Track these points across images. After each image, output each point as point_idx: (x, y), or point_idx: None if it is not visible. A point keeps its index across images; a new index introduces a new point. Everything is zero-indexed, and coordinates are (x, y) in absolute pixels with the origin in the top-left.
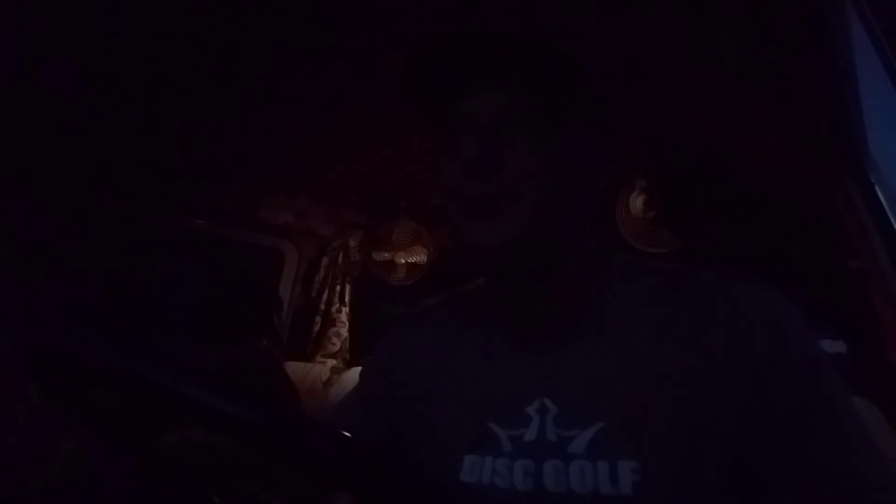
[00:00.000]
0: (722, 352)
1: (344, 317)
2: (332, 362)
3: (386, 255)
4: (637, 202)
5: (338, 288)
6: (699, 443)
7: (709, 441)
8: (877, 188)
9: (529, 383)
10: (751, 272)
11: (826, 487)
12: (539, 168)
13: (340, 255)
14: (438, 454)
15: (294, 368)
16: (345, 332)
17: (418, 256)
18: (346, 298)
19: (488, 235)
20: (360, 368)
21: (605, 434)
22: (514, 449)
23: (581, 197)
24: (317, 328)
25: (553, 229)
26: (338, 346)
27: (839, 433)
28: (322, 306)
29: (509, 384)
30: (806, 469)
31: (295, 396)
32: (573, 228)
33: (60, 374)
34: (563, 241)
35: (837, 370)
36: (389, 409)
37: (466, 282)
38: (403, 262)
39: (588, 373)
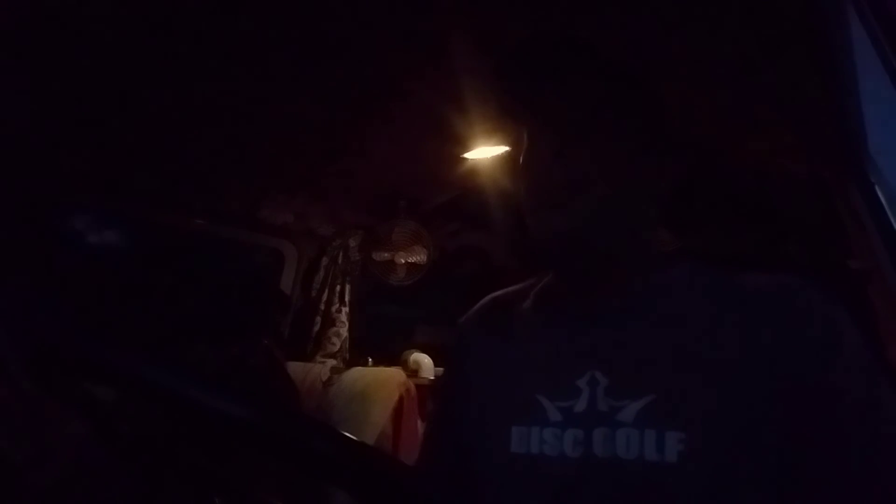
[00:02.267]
0: (772, 351)
1: (344, 317)
2: (332, 362)
3: (386, 255)
4: None
5: (338, 288)
6: (744, 426)
7: (753, 428)
8: (877, 188)
9: (581, 358)
10: (815, 279)
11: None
12: (606, 161)
13: (340, 255)
14: (491, 426)
15: (294, 368)
16: (345, 332)
17: (418, 256)
18: (346, 298)
19: (562, 220)
20: (359, 368)
21: (655, 405)
22: (564, 419)
23: (646, 193)
24: (317, 328)
25: (617, 220)
26: (338, 346)
27: (886, 445)
28: (322, 306)
29: (561, 358)
30: (847, 480)
31: (295, 396)
32: (637, 222)
33: (60, 373)
34: (625, 231)
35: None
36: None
37: (475, 281)
38: (403, 262)
39: (640, 350)
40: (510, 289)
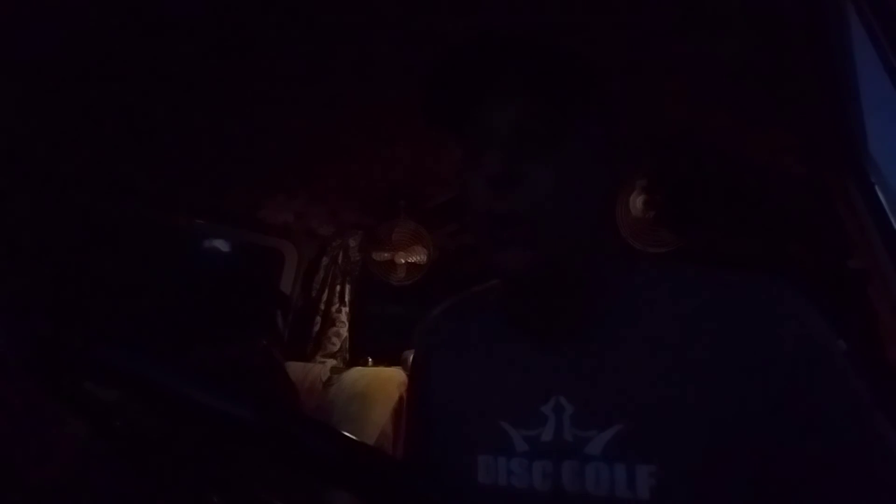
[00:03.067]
0: (746, 361)
1: (344, 317)
2: (332, 362)
3: (386, 255)
4: (637, 202)
5: (338, 288)
6: (720, 451)
7: (730, 450)
8: (877, 188)
9: (545, 382)
10: (779, 276)
11: None
12: (560, 181)
13: (340, 255)
14: (456, 454)
15: (294, 368)
16: (345, 332)
17: (418, 256)
18: (346, 298)
19: (515, 262)
20: (359, 368)
21: (624, 436)
22: (531, 449)
23: (596, 201)
24: (317, 328)
25: (574, 241)
26: (338, 346)
27: (864, 462)
28: (322, 306)
29: (524, 383)
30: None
31: (295, 396)
32: (590, 234)
33: (60, 373)
34: (582, 248)
35: (862, 380)
36: (427, 414)
37: (475, 281)
38: (403, 262)
39: (606, 373)
40: (473, 291)
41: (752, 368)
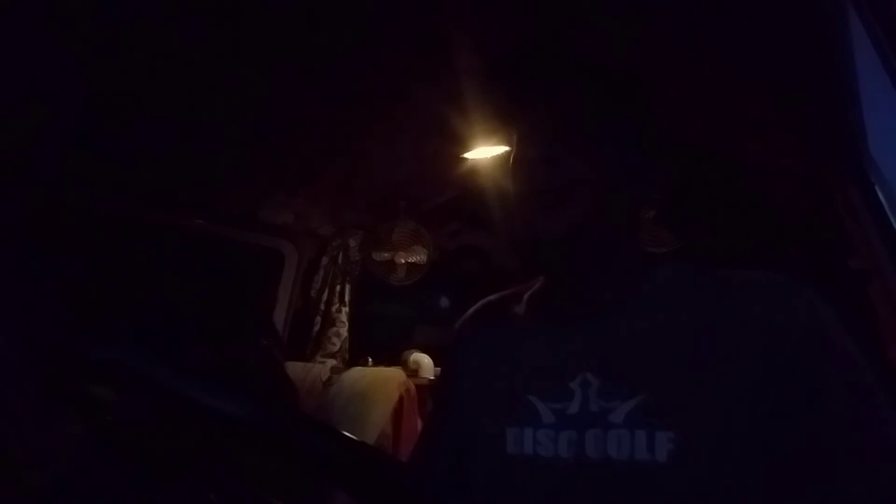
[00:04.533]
0: (757, 348)
1: (344, 317)
2: (332, 362)
3: (386, 255)
4: None
5: (338, 288)
6: (732, 426)
7: (740, 428)
8: (877, 188)
9: (573, 359)
10: (796, 276)
11: None
12: (594, 165)
13: (340, 255)
14: (485, 429)
15: (294, 368)
16: (345, 332)
17: (418, 256)
18: (346, 298)
19: (551, 225)
20: (359, 368)
21: (645, 405)
22: (558, 420)
23: (634, 196)
24: (317, 328)
25: (606, 223)
26: (338, 346)
27: (868, 458)
28: (322, 306)
29: (553, 360)
30: (829, 489)
31: (295, 396)
32: (626, 224)
33: (60, 373)
34: (615, 235)
35: (876, 379)
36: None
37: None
38: (403, 262)
39: (630, 351)
40: (504, 293)
41: (767, 353)
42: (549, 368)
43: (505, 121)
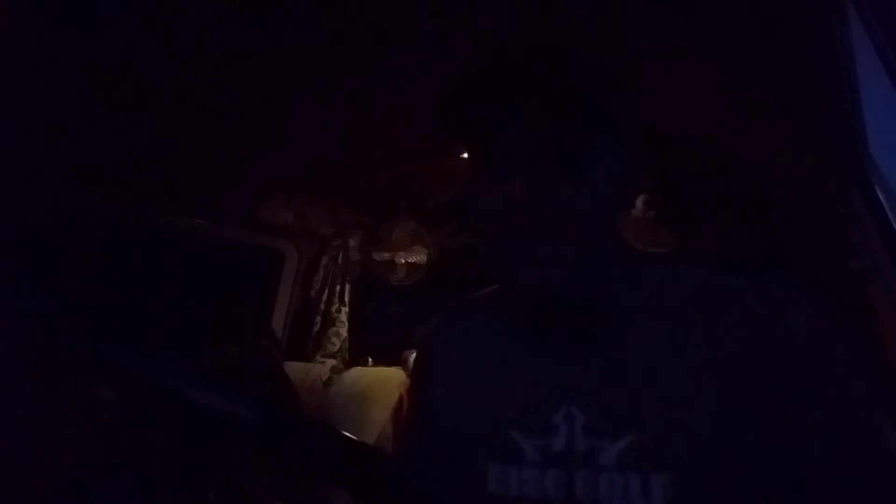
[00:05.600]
0: (756, 369)
1: (344, 317)
2: (331, 362)
3: (386, 255)
4: (637, 202)
5: (338, 288)
6: (729, 463)
7: (738, 464)
8: (877, 188)
9: (555, 390)
10: (785, 282)
11: None
12: (583, 199)
13: (340, 255)
14: (463, 462)
15: (294, 368)
16: (345, 332)
17: (418, 256)
18: (346, 298)
19: (540, 281)
20: (359, 368)
21: (637, 445)
22: (543, 458)
23: (615, 215)
24: (317, 328)
25: (597, 255)
26: (338, 346)
27: (868, 471)
28: (322, 306)
29: (533, 390)
30: None
31: (294, 396)
32: (615, 253)
33: (60, 373)
34: (602, 260)
35: (866, 387)
36: (429, 418)
37: (475, 281)
38: (403, 262)
39: (617, 381)
40: (476, 295)
41: (762, 376)
42: (531, 398)
43: (462, 140)
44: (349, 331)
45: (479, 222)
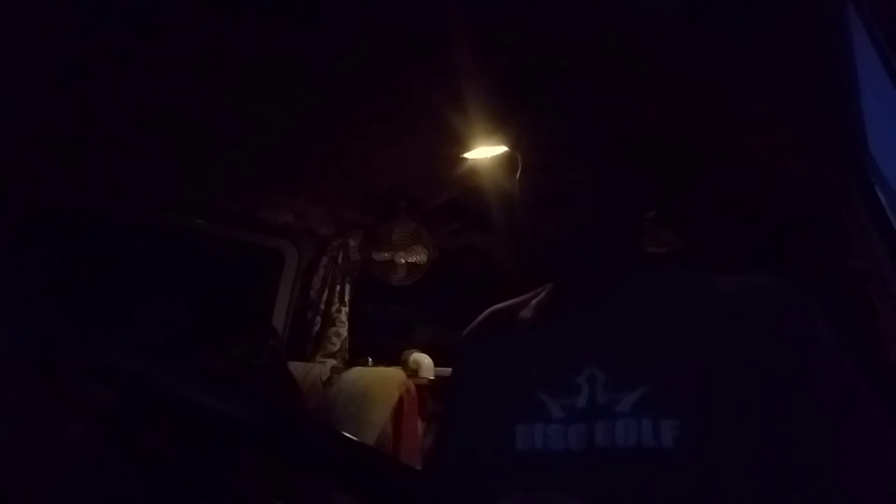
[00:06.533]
0: (746, 351)
1: (344, 317)
2: (332, 362)
3: (386, 255)
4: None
5: (338, 288)
6: (732, 415)
7: (740, 417)
8: (877, 188)
9: (579, 356)
10: (788, 277)
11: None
12: (589, 174)
13: (340, 255)
14: (495, 428)
15: (294, 368)
16: (345, 332)
17: (418, 256)
18: (346, 298)
19: (550, 229)
20: (359, 368)
21: (650, 395)
22: (567, 415)
23: (629, 202)
24: (317, 328)
25: (604, 227)
26: (338, 346)
27: (858, 454)
28: (322, 306)
29: (560, 357)
30: (827, 479)
31: (299, 396)
32: (622, 228)
33: (62, 375)
34: (611, 237)
35: (866, 380)
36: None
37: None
38: (403, 262)
39: (632, 345)
40: (511, 301)
41: (756, 357)
42: (557, 366)
43: (509, 133)
44: (349, 331)
45: (518, 191)
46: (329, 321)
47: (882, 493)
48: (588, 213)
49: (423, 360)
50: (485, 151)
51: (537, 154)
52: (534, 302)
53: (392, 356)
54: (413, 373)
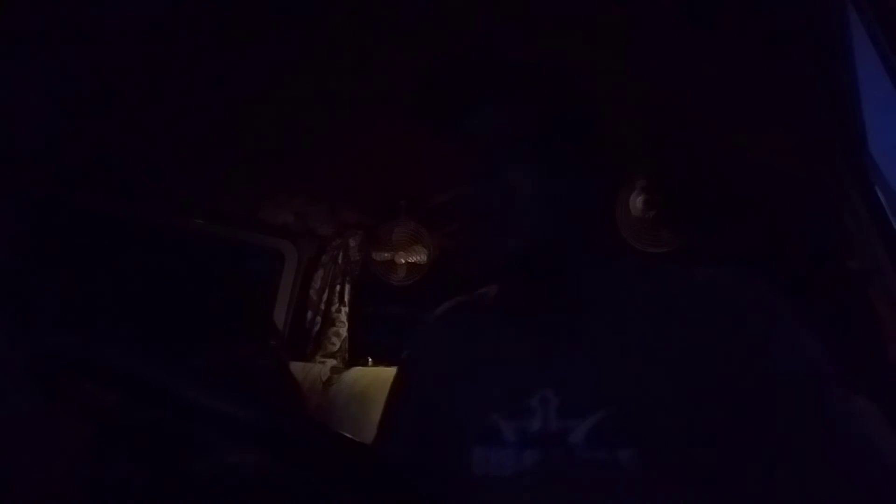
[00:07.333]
0: (713, 350)
1: (344, 317)
2: (332, 362)
3: (386, 255)
4: (637, 202)
5: (338, 288)
6: (692, 432)
7: (701, 434)
8: (877, 188)
9: (532, 377)
10: (750, 271)
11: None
12: (536, 180)
13: (340, 255)
14: (448, 447)
15: (294, 368)
16: (345, 332)
17: (418, 256)
18: (346, 298)
19: (498, 245)
20: (359, 368)
21: (604, 423)
22: (520, 439)
23: (582, 202)
24: (317, 328)
25: (554, 234)
26: (338, 346)
27: (827, 438)
28: (322, 306)
29: (513, 378)
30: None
31: (300, 396)
32: (577, 233)
33: (63, 374)
34: (566, 246)
35: (835, 371)
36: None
37: (474, 286)
38: (403, 262)
39: (588, 366)
40: (468, 296)
41: (718, 356)
42: (510, 385)
43: (439, 135)
44: (349, 331)
45: (458, 203)
46: (329, 321)
47: (851, 468)
48: (534, 222)
49: None
50: None
51: (477, 163)
52: (490, 304)
53: (392, 356)
54: None
